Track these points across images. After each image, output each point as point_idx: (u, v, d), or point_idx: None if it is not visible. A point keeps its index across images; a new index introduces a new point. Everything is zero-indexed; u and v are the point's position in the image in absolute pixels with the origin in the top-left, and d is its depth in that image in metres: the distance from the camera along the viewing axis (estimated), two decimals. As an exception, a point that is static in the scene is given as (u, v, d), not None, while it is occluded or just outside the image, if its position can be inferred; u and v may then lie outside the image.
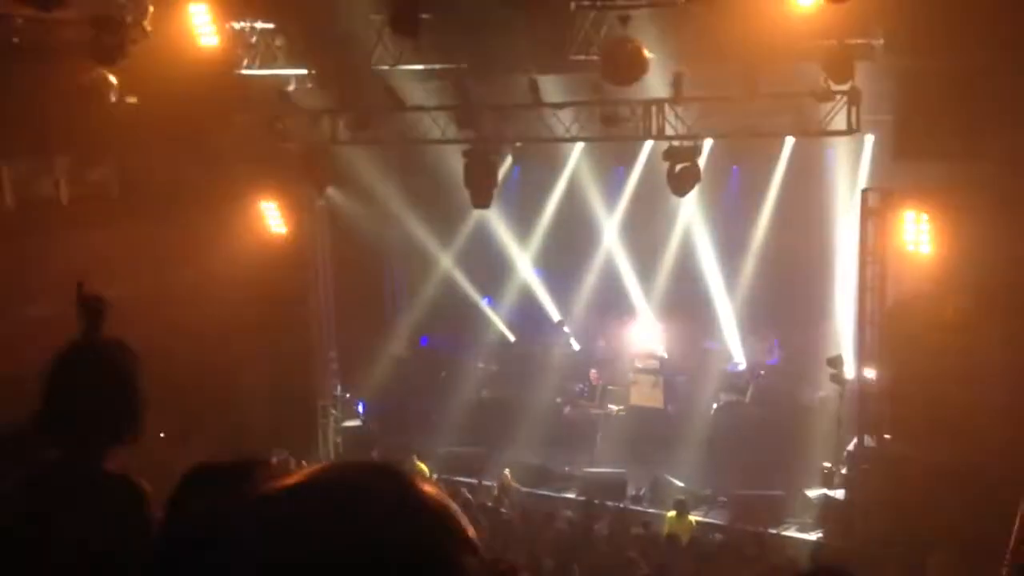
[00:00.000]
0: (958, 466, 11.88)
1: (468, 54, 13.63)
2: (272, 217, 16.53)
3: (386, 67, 13.89)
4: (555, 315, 18.98)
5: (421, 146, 15.82)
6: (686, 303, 17.58)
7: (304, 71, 15.00)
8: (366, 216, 17.76)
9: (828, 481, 13.79)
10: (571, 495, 15.15)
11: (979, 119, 11.48)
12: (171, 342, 11.66)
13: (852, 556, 12.10)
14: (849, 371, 14.05)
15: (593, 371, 16.90)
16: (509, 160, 17.22)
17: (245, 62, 14.21)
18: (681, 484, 14.67)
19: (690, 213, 17.14)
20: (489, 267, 19.03)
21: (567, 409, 16.49)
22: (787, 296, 16.25)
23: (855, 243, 13.86)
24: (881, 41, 11.96)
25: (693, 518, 13.86)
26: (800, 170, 15.86)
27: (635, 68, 11.77)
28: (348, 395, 17.69)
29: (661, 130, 13.52)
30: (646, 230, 17.81)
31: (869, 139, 14.61)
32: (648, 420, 16.39)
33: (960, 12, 10.91)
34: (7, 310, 13.05)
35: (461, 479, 15.19)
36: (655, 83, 12.81)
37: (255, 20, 14.02)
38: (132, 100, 13.37)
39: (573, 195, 18.13)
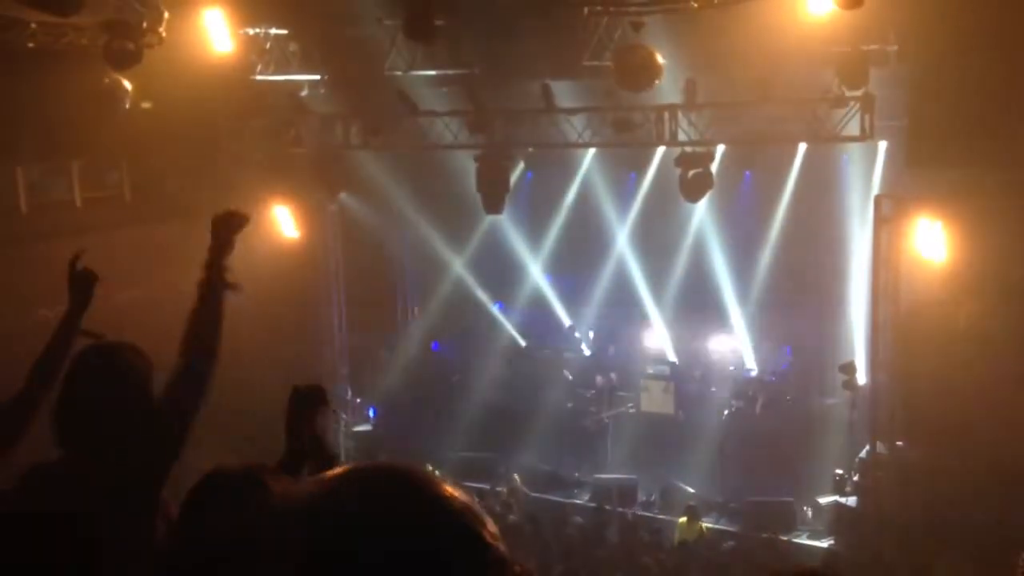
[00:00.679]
0: (970, 473, 11.83)
1: (481, 60, 13.66)
2: (285, 222, 16.57)
3: (399, 72, 13.94)
4: (566, 320, 18.97)
5: (433, 151, 15.84)
6: (697, 309, 17.54)
7: (318, 77, 15.07)
8: (378, 221, 17.80)
9: (840, 488, 13.74)
10: (581, 501, 15.12)
11: (993, 126, 11.42)
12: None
13: (864, 563, 12.05)
14: (861, 378, 14.01)
15: (600, 377, 16.85)
16: (521, 165, 17.23)
17: (259, 68, 14.28)
18: (692, 490, 14.64)
19: (702, 219, 17.11)
20: (501, 272, 19.03)
21: (587, 420, 16.44)
22: (799, 302, 16.22)
23: (868, 250, 13.81)
24: (895, 47, 11.93)
25: (704, 524, 13.83)
26: (813, 176, 15.82)
27: (648, 74, 11.76)
28: (359, 400, 17.73)
29: (674, 136, 13.51)
30: (658, 236, 17.79)
31: (883, 145, 14.57)
32: (659, 426, 16.36)
33: (974, 18, 10.88)
34: (19, 312, 13.10)
35: (471, 484, 15.18)
36: (668, 89, 12.80)
37: (269, 26, 14.09)
38: (147, 105, 13.44)
39: (585, 201, 18.12)
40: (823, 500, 13.93)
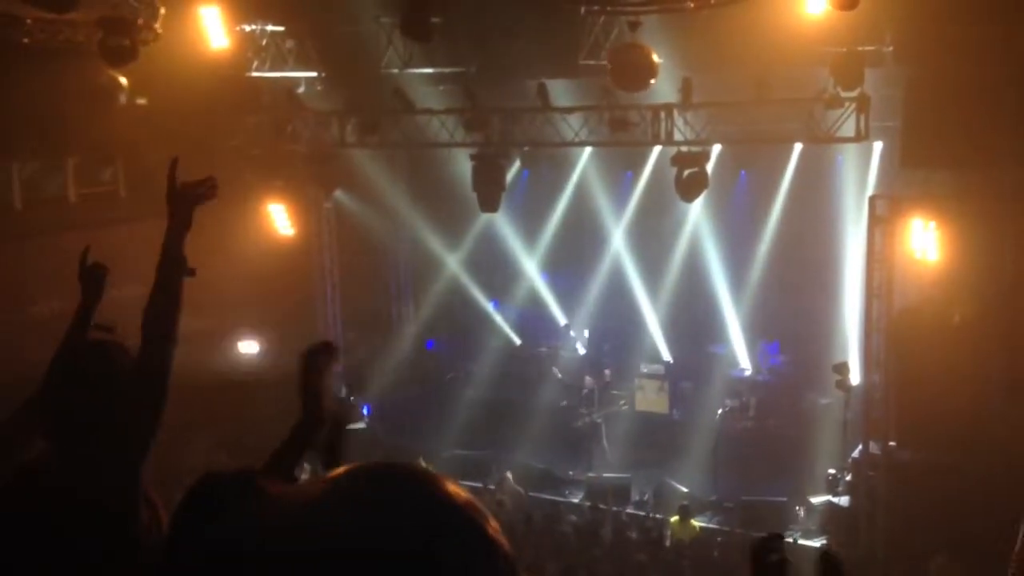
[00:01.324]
0: (963, 473, 11.86)
1: (478, 58, 13.67)
2: (280, 219, 16.56)
3: (395, 70, 13.95)
4: (562, 319, 18.99)
5: (429, 149, 15.84)
6: (692, 308, 17.58)
7: (314, 74, 15.06)
8: (374, 219, 17.80)
9: (833, 488, 13.76)
10: (575, 499, 15.14)
11: (987, 127, 11.45)
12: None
13: (856, 563, 12.07)
14: (855, 378, 14.04)
15: (588, 377, 16.83)
16: (517, 164, 17.25)
17: (255, 64, 14.27)
18: (685, 490, 14.66)
19: (698, 218, 17.14)
20: (496, 271, 19.05)
21: (578, 421, 16.43)
22: (794, 302, 16.25)
23: (862, 250, 13.85)
24: (891, 48, 11.96)
25: (697, 523, 13.85)
26: (808, 176, 15.86)
27: (644, 74, 11.78)
28: (353, 398, 17.71)
29: (670, 135, 13.52)
30: (653, 235, 17.82)
31: (878, 146, 14.61)
32: (653, 425, 16.38)
33: (969, 20, 10.90)
34: (14, 308, 13.10)
35: (465, 483, 15.16)
36: (664, 88, 12.81)
37: (265, 23, 14.08)
38: (142, 101, 13.43)
39: (581, 200, 18.14)
40: (816, 499, 13.95)
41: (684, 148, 13.42)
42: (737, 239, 17.12)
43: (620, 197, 18.11)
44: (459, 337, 19.35)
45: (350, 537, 0.98)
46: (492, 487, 15.11)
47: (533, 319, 19.25)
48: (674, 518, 13.73)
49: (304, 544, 0.98)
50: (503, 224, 18.18)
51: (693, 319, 17.61)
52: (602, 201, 18.09)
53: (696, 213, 16.82)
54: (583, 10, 12.39)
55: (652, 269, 18.00)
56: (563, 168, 17.98)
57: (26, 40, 11.82)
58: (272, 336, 15.93)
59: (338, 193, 16.85)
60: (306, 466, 3.22)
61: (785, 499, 14.10)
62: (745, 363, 17.25)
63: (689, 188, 13.52)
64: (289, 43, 14.45)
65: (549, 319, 19.12)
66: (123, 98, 12.79)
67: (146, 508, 2.94)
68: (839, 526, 13.47)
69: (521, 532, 13.50)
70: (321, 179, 15.92)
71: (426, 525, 1.00)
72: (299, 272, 16.74)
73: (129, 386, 3.06)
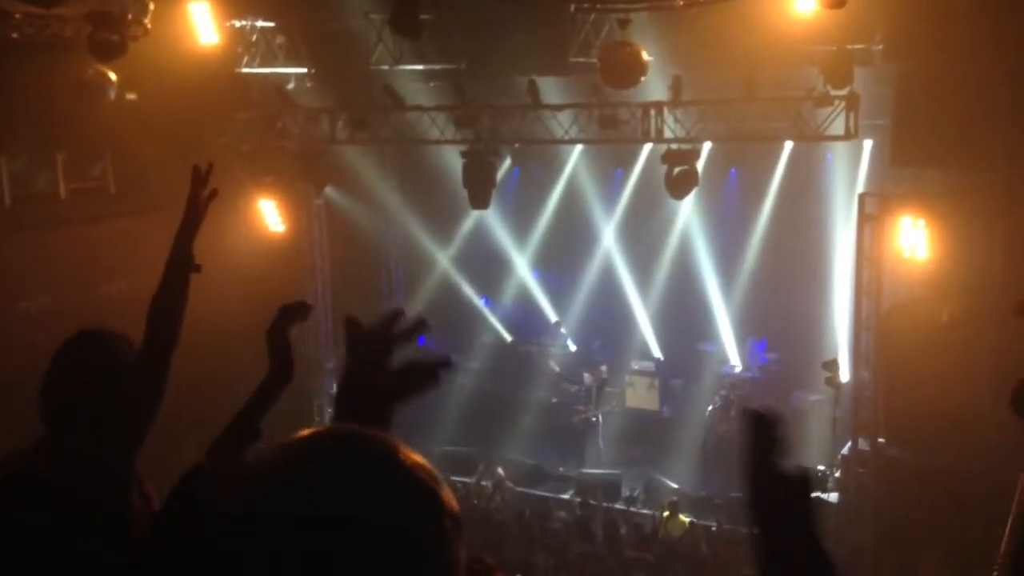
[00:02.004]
0: (951, 470, 11.91)
1: (468, 55, 13.66)
2: (270, 215, 16.53)
3: (386, 67, 13.92)
4: (552, 316, 19.01)
5: (420, 146, 15.83)
6: (683, 305, 17.61)
7: (304, 70, 15.03)
8: (364, 215, 17.77)
9: (822, 484, 13.81)
10: (565, 496, 15.17)
11: (978, 125, 11.49)
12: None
13: (845, 559, 12.12)
14: (844, 375, 14.09)
15: (587, 374, 16.89)
16: (508, 161, 17.24)
17: (245, 60, 14.24)
18: (675, 486, 14.71)
19: (688, 216, 17.17)
20: (487, 267, 19.05)
21: (575, 418, 16.45)
22: (784, 300, 16.29)
23: (852, 248, 13.89)
24: (880, 46, 11.99)
25: (686, 519, 13.90)
26: (799, 174, 15.90)
27: (634, 71, 11.79)
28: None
29: (660, 133, 13.53)
30: (644, 232, 17.84)
31: (868, 144, 14.65)
32: (643, 422, 16.43)
33: (958, 19, 10.93)
34: (3, 304, 13.05)
35: (456, 478, 15.21)
36: (654, 86, 12.83)
37: (255, 18, 14.06)
38: (132, 97, 13.38)
39: (571, 197, 18.15)
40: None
41: (674, 146, 13.44)
42: (727, 237, 17.16)
43: (611, 195, 18.14)
44: (450, 333, 19.34)
45: (304, 502, 1.01)
46: (484, 483, 15.14)
47: (524, 316, 19.27)
48: (664, 513, 13.78)
49: (259, 499, 1.02)
50: (494, 221, 18.19)
51: (683, 316, 17.65)
52: (592, 198, 18.11)
53: (687, 211, 16.85)
54: (572, 7, 12.40)
55: (642, 266, 18.03)
56: (554, 165, 17.99)
57: (15, 35, 11.78)
58: (262, 331, 15.88)
59: (329, 190, 16.82)
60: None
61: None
62: (735, 360, 17.29)
63: (679, 186, 13.54)
64: (279, 39, 14.42)
65: (539, 316, 19.14)
66: (112, 93, 12.75)
67: (140, 501, 2.96)
68: (828, 523, 13.52)
69: (514, 528, 13.54)
70: (311, 175, 15.88)
71: (378, 485, 1.04)
72: (290, 268, 16.70)
73: (130, 379, 3.08)
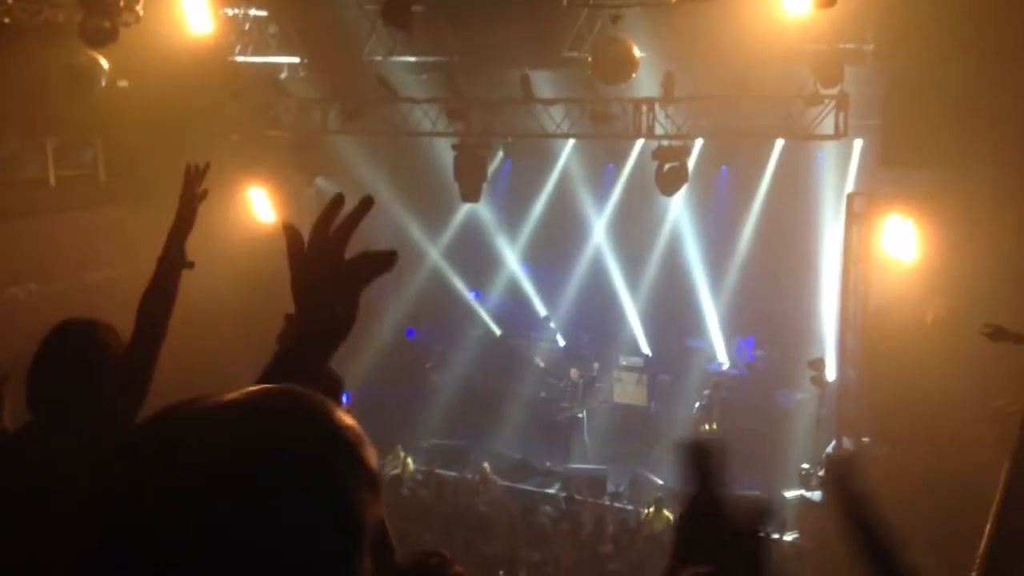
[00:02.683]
0: (935, 469, 11.98)
1: (460, 47, 13.65)
2: (261, 205, 16.49)
3: (378, 58, 13.90)
4: (542, 310, 19.03)
5: (411, 138, 15.82)
6: (671, 302, 17.65)
7: (297, 59, 15.00)
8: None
9: (806, 482, 13.88)
10: (551, 490, 15.21)
11: (968, 126, 11.53)
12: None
13: (828, 558, 12.18)
14: (830, 374, 14.15)
15: (574, 369, 16.92)
16: (500, 154, 17.24)
17: (238, 49, 14.21)
18: (661, 482, 14.75)
19: (679, 212, 17.21)
20: (477, 261, 19.06)
21: (559, 415, 16.47)
22: (772, 297, 16.35)
23: (841, 247, 13.94)
24: (871, 46, 12.02)
25: (670, 514, 13.94)
26: (789, 172, 15.95)
27: (624, 68, 11.81)
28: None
29: (651, 129, 13.55)
30: (634, 228, 17.87)
31: (858, 143, 14.70)
32: (631, 418, 16.47)
33: (950, 19, 10.97)
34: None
35: (443, 472, 15.24)
36: (646, 82, 12.85)
37: (249, 7, 14.01)
38: (123, 84, 13.34)
39: (563, 191, 18.17)
40: (789, 494, 14.08)
41: (665, 142, 13.46)
42: (717, 234, 17.21)
43: (602, 190, 18.16)
44: (439, 326, 19.36)
45: (222, 451, 1.04)
46: (470, 477, 15.16)
47: (513, 310, 19.29)
48: (649, 509, 13.83)
49: (189, 451, 1.06)
50: (485, 214, 18.20)
51: (672, 312, 17.70)
52: (584, 193, 18.13)
53: (677, 207, 16.89)
54: (566, 2, 12.41)
55: (632, 262, 18.07)
56: (545, 159, 18.00)
57: (6, 20, 11.73)
58: (251, 321, 15.87)
59: (320, 180, 16.79)
60: None
61: (758, 493, 14.20)
62: (723, 357, 17.35)
63: (669, 182, 13.57)
64: (272, 28, 14.38)
65: (529, 310, 19.16)
66: (104, 80, 12.70)
67: None
68: (811, 520, 13.59)
69: (499, 522, 13.57)
70: (303, 165, 15.86)
71: (301, 448, 1.07)
72: (280, 259, 16.56)
73: (116, 369, 3.10)
